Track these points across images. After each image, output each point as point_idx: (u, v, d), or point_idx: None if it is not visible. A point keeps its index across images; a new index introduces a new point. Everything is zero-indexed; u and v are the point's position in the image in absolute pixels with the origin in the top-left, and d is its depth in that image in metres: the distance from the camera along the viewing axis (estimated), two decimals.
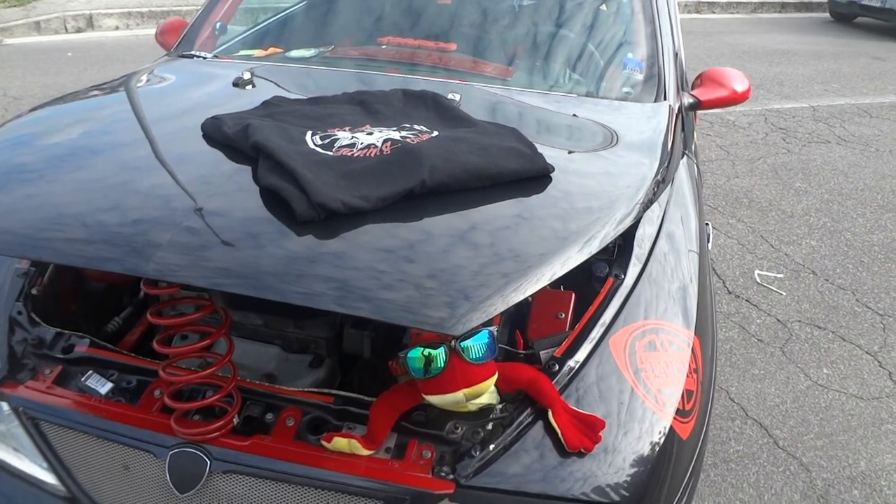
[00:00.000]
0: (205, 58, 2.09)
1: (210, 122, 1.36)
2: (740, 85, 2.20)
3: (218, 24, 2.29)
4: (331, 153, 1.23)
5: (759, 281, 3.21)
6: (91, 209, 1.12)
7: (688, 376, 1.24)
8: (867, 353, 2.73)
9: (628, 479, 1.09)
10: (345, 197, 1.08)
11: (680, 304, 1.36)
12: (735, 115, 5.61)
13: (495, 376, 1.10)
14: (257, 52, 2.14)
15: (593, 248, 1.15)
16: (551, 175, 1.30)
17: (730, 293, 3.10)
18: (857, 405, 2.44)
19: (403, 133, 1.31)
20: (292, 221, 1.07)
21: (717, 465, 2.13)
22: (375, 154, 1.22)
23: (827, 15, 10.48)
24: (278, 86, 1.75)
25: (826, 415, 2.38)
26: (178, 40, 2.24)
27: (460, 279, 1.00)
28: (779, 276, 3.27)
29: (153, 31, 2.56)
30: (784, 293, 3.12)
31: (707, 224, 1.94)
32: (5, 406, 1.21)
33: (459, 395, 1.06)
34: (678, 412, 1.19)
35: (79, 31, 7.34)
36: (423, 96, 1.54)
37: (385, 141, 1.26)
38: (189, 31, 2.26)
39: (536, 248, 1.10)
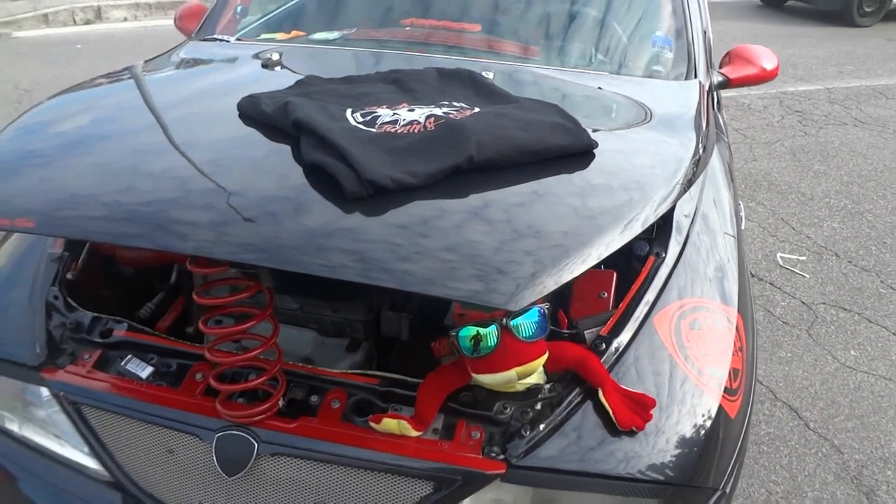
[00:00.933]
0: (228, 41, 2.06)
1: (247, 101, 1.34)
2: (769, 62, 2.17)
3: (239, 8, 2.26)
4: (374, 130, 1.20)
5: (781, 264, 3.18)
6: (130, 188, 1.10)
7: (734, 354, 1.22)
8: (894, 334, 2.70)
9: (678, 458, 1.07)
10: (393, 173, 1.05)
11: (721, 283, 1.34)
12: (750, 99, 5.55)
13: (546, 355, 1.08)
14: (279, 36, 2.11)
15: (636, 228, 1.13)
16: (594, 152, 1.28)
17: (753, 276, 3.07)
18: (887, 386, 2.41)
19: (444, 109, 1.28)
20: (338, 198, 1.05)
21: (748, 448, 2.11)
22: (419, 130, 1.20)
23: (757, 0, 9.92)
24: (307, 67, 1.73)
25: (856, 396, 2.36)
26: (199, 25, 2.21)
27: (513, 256, 0.98)
28: (801, 258, 3.24)
29: (162, 21, 2.54)
30: (807, 276, 3.09)
31: (739, 204, 1.91)
32: (45, 391, 1.20)
33: (511, 373, 1.04)
34: (726, 390, 1.17)
35: (87, 22, 7.31)
36: (458, 73, 1.52)
37: (428, 117, 1.23)
38: (210, 15, 2.23)
39: (583, 227, 1.08)
